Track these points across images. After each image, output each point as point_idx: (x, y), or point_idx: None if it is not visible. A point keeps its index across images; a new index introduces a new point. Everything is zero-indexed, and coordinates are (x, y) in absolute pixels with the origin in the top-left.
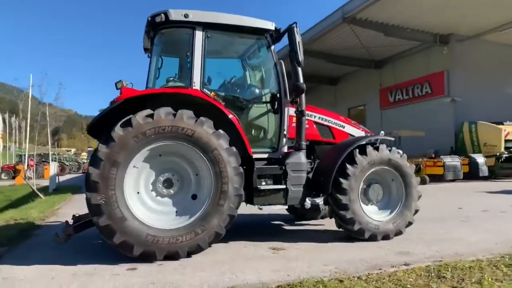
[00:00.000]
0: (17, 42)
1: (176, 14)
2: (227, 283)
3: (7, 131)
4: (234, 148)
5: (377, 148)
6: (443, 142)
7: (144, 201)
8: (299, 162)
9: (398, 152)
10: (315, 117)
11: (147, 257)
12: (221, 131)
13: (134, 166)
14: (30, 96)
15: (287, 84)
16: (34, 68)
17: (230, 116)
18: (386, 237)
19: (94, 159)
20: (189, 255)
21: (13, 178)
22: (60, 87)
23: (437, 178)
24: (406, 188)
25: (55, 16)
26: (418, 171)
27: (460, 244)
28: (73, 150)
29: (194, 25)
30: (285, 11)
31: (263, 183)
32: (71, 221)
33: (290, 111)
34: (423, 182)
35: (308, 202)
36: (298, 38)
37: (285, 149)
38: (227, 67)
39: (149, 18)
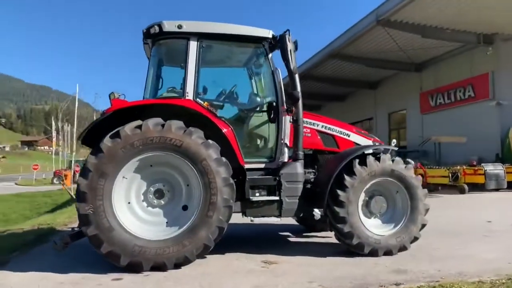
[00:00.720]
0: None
1: (169, 25)
2: None
3: (64, 137)
4: (224, 159)
5: (379, 159)
6: (488, 148)
7: (135, 211)
8: (295, 172)
9: (408, 162)
10: (318, 125)
11: (134, 267)
12: (210, 141)
13: (123, 177)
14: (76, 104)
15: (299, 92)
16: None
17: (221, 126)
18: (388, 252)
19: (84, 169)
20: (177, 266)
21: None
22: (96, 96)
23: (479, 187)
24: (412, 201)
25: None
26: (455, 179)
27: (469, 263)
28: None
29: (188, 36)
30: (317, 17)
31: (257, 194)
32: (76, 228)
33: (289, 119)
34: (461, 191)
35: (317, 213)
36: (290, 46)
37: (285, 159)
38: (225, 76)
39: (144, 30)
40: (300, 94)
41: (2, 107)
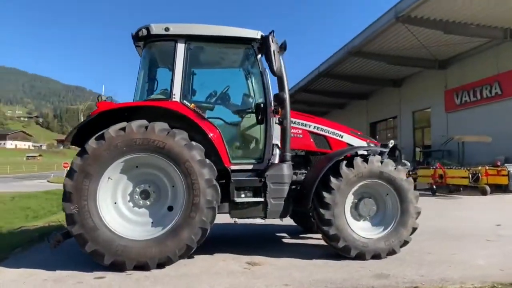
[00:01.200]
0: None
1: (157, 28)
2: None
3: None
4: (207, 160)
5: (367, 160)
6: None
7: (121, 211)
8: (281, 174)
9: (404, 164)
10: (310, 126)
11: (118, 266)
12: (193, 142)
13: (108, 178)
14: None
15: (287, 93)
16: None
17: (206, 127)
18: (376, 256)
19: (70, 170)
20: (160, 266)
21: None
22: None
23: (502, 189)
24: (402, 204)
25: None
26: (476, 180)
27: (458, 268)
28: None
29: (176, 38)
30: (338, 17)
31: (242, 195)
32: None
33: None
34: (483, 193)
35: None
36: (273, 47)
37: (276, 160)
38: (215, 78)
39: (133, 33)
40: (286, 96)
41: (39, 107)
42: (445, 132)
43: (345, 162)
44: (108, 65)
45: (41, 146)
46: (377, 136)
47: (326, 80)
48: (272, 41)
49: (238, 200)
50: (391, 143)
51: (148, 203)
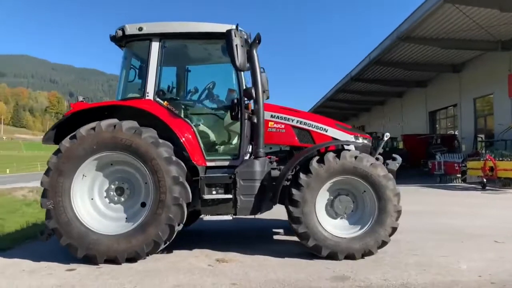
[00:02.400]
0: None
1: (131, 28)
2: None
3: None
4: (174, 158)
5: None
6: None
7: (97, 207)
8: (251, 170)
9: (394, 158)
10: (293, 120)
11: (90, 259)
12: (160, 140)
13: (83, 175)
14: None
15: (260, 88)
16: None
17: (176, 125)
18: (350, 256)
19: (47, 168)
20: (130, 261)
21: None
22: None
23: None
24: (379, 202)
25: None
26: None
27: (430, 273)
28: None
29: (150, 37)
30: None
31: (214, 192)
32: None
33: (266, 115)
34: None
35: None
36: (236, 42)
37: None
38: (194, 75)
39: (110, 35)
40: (255, 91)
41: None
42: (509, 120)
43: (316, 158)
44: None
45: None
46: (437, 126)
47: (379, 67)
48: (235, 36)
49: (206, 197)
50: (387, 136)
51: (123, 199)
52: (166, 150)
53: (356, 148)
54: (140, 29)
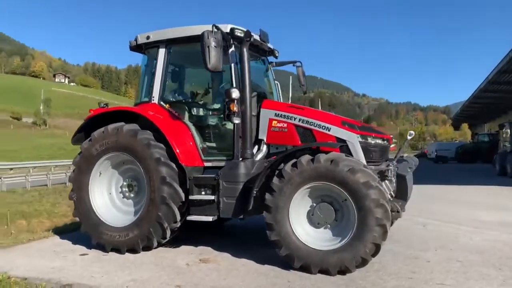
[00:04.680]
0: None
1: (141, 38)
2: (70, 280)
3: None
4: (163, 158)
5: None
6: None
7: (114, 201)
8: (234, 172)
9: (400, 160)
10: (295, 119)
11: (101, 247)
12: (153, 142)
13: (100, 173)
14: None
15: (247, 88)
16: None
17: (164, 128)
18: (325, 271)
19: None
20: (131, 252)
21: None
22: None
23: None
24: (359, 213)
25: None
26: None
27: None
28: None
29: (157, 44)
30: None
31: (203, 192)
32: None
33: (270, 113)
34: None
35: None
36: (209, 43)
37: (260, 156)
38: (199, 77)
39: (129, 44)
40: (234, 92)
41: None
42: None
43: (293, 161)
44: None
45: None
46: None
47: None
48: (208, 37)
49: (191, 197)
50: (410, 134)
51: (132, 195)
52: (158, 151)
53: (367, 148)
54: (148, 37)
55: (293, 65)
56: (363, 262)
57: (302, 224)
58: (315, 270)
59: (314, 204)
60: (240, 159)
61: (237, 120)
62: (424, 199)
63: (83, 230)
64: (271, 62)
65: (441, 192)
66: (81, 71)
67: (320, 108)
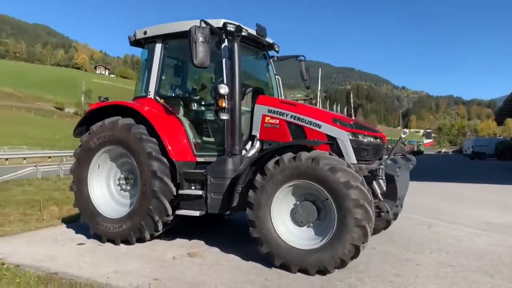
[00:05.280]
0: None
1: (139, 33)
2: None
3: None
4: (153, 153)
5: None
6: None
7: (112, 193)
8: (221, 168)
9: (401, 159)
10: (287, 115)
11: (98, 238)
12: (144, 136)
13: (98, 165)
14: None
15: (237, 84)
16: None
17: (156, 122)
18: (304, 270)
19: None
20: (125, 243)
21: None
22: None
23: None
24: (338, 213)
25: None
26: None
27: None
28: (421, 131)
29: (154, 39)
30: None
31: (193, 187)
32: None
33: (263, 109)
34: None
35: None
36: (196, 38)
37: (251, 153)
38: (196, 72)
39: (129, 39)
40: (222, 88)
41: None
42: None
43: (276, 158)
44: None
45: None
46: None
47: None
48: (195, 32)
49: (181, 192)
50: (404, 133)
51: (129, 187)
52: (150, 145)
53: (358, 147)
54: (145, 33)
55: (296, 60)
56: (342, 264)
57: (285, 222)
58: (294, 269)
59: (298, 203)
60: (230, 155)
61: (225, 116)
62: (440, 198)
63: (82, 221)
64: (273, 57)
65: (463, 190)
66: (121, 63)
67: (351, 102)
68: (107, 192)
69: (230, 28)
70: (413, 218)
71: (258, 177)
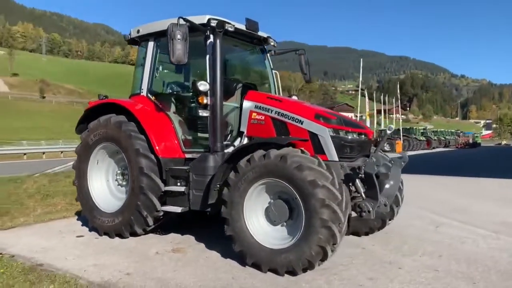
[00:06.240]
0: None
1: (133, 32)
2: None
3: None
4: (141, 150)
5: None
6: None
7: (111, 188)
8: (203, 165)
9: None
10: (272, 111)
11: (96, 231)
12: (133, 133)
13: (97, 161)
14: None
15: (218, 80)
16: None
17: (144, 119)
18: (274, 270)
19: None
20: (119, 237)
21: None
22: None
23: None
24: (305, 212)
25: None
26: None
27: None
28: (482, 122)
29: (147, 37)
30: None
31: (178, 184)
32: None
33: (251, 105)
34: None
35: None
36: (174, 35)
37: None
38: (189, 69)
39: (124, 38)
40: (202, 85)
41: (367, 80)
42: None
43: (248, 156)
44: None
45: (361, 116)
46: None
47: None
48: (173, 29)
49: (167, 188)
50: (390, 129)
51: (125, 183)
52: (138, 142)
53: (340, 143)
54: (138, 31)
55: (296, 53)
56: (310, 265)
57: (259, 220)
58: (265, 268)
59: (272, 201)
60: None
61: (205, 113)
62: (466, 195)
63: (83, 214)
64: (270, 51)
65: (497, 187)
66: None
67: (398, 92)
68: (106, 187)
69: (213, 23)
70: (424, 217)
71: (232, 174)
